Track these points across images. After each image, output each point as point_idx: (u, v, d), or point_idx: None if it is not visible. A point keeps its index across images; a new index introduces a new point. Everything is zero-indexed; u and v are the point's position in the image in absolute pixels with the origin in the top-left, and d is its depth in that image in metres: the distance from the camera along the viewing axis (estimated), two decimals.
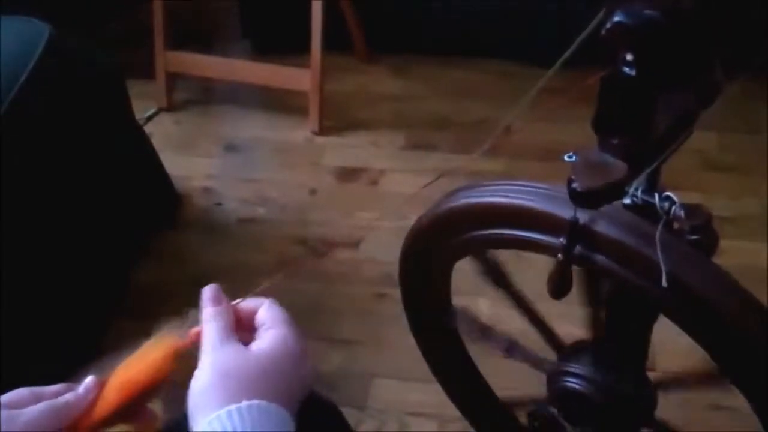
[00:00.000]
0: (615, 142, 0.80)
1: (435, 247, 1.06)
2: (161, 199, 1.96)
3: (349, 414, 0.95)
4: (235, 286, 1.76)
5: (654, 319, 0.96)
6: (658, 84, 0.77)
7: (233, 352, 0.66)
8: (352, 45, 2.40)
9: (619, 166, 0.80)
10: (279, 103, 2.30)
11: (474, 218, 0.97)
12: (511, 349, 1.15)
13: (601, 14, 0.76)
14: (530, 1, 2.25)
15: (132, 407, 0.70)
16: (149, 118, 2.26)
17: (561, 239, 0.86)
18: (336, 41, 2.21)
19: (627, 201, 0.87)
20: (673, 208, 0.82)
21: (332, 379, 1.56)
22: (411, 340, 1.25)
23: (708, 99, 0.82)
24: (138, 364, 0.71)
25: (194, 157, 2.16)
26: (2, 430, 0.64)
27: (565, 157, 0.82)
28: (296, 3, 2.16)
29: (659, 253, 0.79)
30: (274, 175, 2.10)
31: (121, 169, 1.71)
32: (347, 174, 2.09)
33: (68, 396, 0.69)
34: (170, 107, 2.30)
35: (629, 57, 0.75)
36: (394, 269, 1.16)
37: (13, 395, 0.68)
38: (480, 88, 2.31)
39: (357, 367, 1.60)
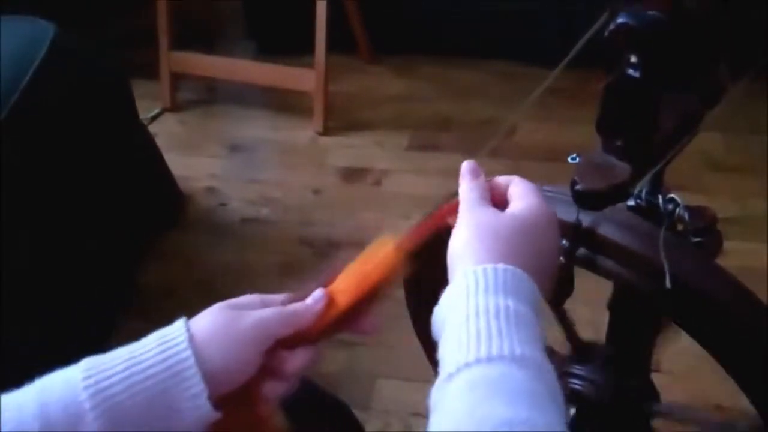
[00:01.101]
0: (619, 143, 0.80)
1: (437, 249, 1.06)
2: (165, 199, 1.96)
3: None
4: (239, 286, 1.76)
5: (659, 323, 0.96)
6: (662, 85, 0.76)
7: (490, 214, 0.69)
8: (356, 45, 2.40)
9: (622, 168, 0.80)
10: (283, 103, 2.30)
11: None
12: None
13: (605, 15, 0.76)
14: (534, 1, 2.25)
15: (359, 311, 0.71)
16: (153, 118, 2.26)
17: (564, 241, 0.86)
18: (340, 42, 2.21)
19: (631, 203, 0.86)
20: (677, 210, 0.82)
21: (336, 379, 1.56)
22: (415, 341, 1.25)
23: (712, 100, 0.82)
24: (363, 267, 0.72)
25: (198, 157, 2.16)
26: (229, 327, 0.66)
27: (569, 159, 0.82)
28: (300, 3, 2.16)
29: (663, 255, 0.79)
30: (278, 176, 2.11)
31: (125, 169, 1.72)
32: (351, 174, 2.09)
33: (298, 305, 0.70)
34: (174, 107, 2.31)
35: (633, 58, 0.75)
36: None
37: (243, 299, 0.70)
38: (484, 88, 2.31)
39: (361, 367, 1.60)
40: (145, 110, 2.12)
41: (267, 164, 2.15)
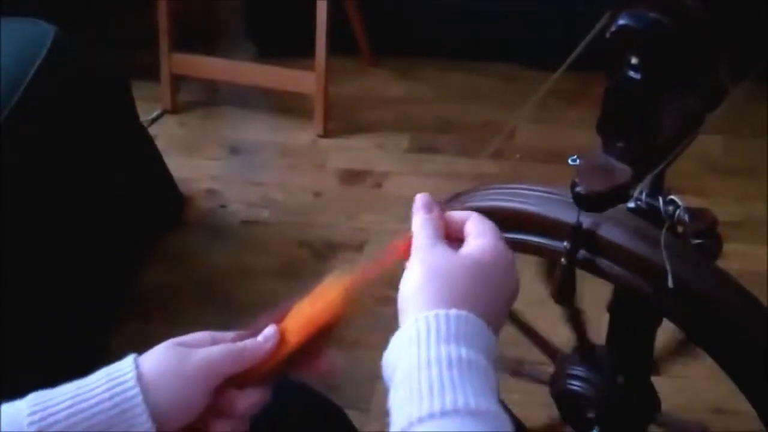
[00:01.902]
0: (620, 145, 0.80)
1: None
2: (165, 200, 1.96)
3: (353, 416, 0.94)
4: (238, 288, 1.76)
5: (658, 324, 0.96)
6: (663, 87, 0.76)
7: (443, 254, 0.66)
8: (357, 47, 2.40)
9: (623, 170, 0.80)
10: (283, 105, 2.30)
11: None
12: (517, 371, 1.16)
13: (606, 17, 0.76)
14: (535, 4, 2.25)
15: (311, 350, 0.69)
16: (154, 120, 2.26)
17: (565, 243, 0.86)
18: (340, 44, 2.21)
19: (631, 205, 0.86)
20: (678, 212, 0.82)
21: (336, 381, 1.55)
22: None
23: (713, 102, 0.82)
24: (315, 304, 0.70)
25: (198, 159, 2.16)
26: (177, 365, 0.64)
27: (570, 160, 0.82)
28: (301, 5, 2.16)
29: (664, 256, 0.79)
30: (278, 178, 2.10)
31: (125, 170, 1.72)
32: (351, 176, 2.09)
33: (247, 342, 0.68)
34: (175, 109, 2.30)
35: (634, 60, 0.75)
36: (399, 272, 1.16)
37: (192, 336, 0.69)
38: (484, 91, 2.31)
39: (361, 369, 1.59)
40: (145, 112, 2.12)
41: (267, 166, 2.15)
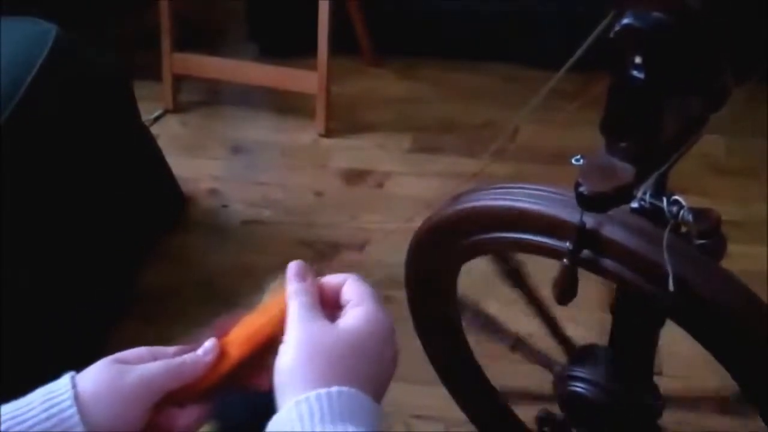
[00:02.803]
0: (623, 145, 0.80)
1: (441, 251, 1.06)
2: (167, 200, 1.96)
3: None
4: (239, 288, 1.76)
5: (661, 324, 0.96)
6: (667, 87, 0.76)
7: (320, 328, 0.64)
8: (359, 47, 2.39)
9: (626, 170, 0.80)
10: (285, 105, 2.30)
11: (480, 222, 0.97)
12: (518, 344, 1.15)
13: (609, 17, 0.76)
14: (537, 4, 2.25)
15: (253, 364, 0.68)
16: (155, 120, 2.26)
17: (567, 243, 0.86)
18: (343, 44, 2.21)
19: (634, 205, 0.86)
20: (681, 212, 0.82)
21: None
22: (416, 343, 1.25)
23: (716, 103, 0.82)
24: (259, 318, 0.69)
25: (200, 158, 2.16)
26: (114, 383, 0.64)
27: (573, 161, 0.82)
28: (303, 5, 2.16)
29: (666, 257, 0.78)
30: (280, 177, 2.10)
31: (127, 170, 1.72)
32: (353, 176, 2.09)
33: (186, 357, 0.68)
34: (176, 109, 2.30)
35: (638, 60, 0.75)
36: (400, 272, 1.16)
37: (131, 352, 0.68)
38: (486, 91, 2.31)
39: None
40: (147, 111, 2.11)
41: (269, 166, 2.15)
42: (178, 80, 2.29)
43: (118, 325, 1.65)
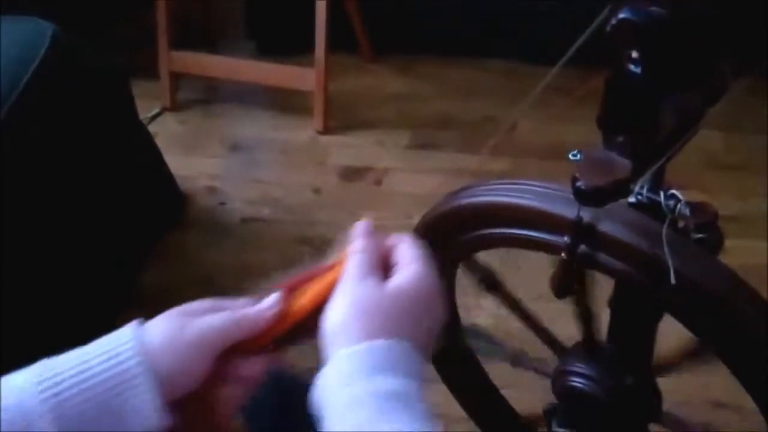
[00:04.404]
0: (620, 140, 0.80)
1: (439, 246, 1.06)
2: (165, 198, 1.96)
3: None
4: (239, 286, 1.76)
5: (659, 319, 0.96)
6: (664, 82, 0.76)
7: (370, 286, 0.67)
8: (357, 44, 2.40)
9: (624, 164, 0.80)
10: (283, 102, 2.30)
11: (478, 218, 0.97)
12: (518, 359, 1.16)
13: (606, 11, 0.76)
14: None
15: (316, 318, 0.69)
16: (153, 118, 2.26)
17: (565, 238, 0.86)
18: (340, 41, 2.21)
19: (632, 199, 0.86)
20: (679, 206, 0.82)
21: None
22: None
23: (714, 97, 0.82)
24: (323, 274, 0.71)
25: (198, 156, 2.16)
26: (175, 335, 0.65)
27: (570, 156, 0.82)
28: (300, 2, 2.16)
29: (666, 251, 0.78)
30: (278, 175, 2.10)
31: (125, 169, 1.71)
32: (352, 173, 2.09)
33: (249, 310, 0.69)
34: (174, 107, 2.30)
35: (635, 54, 0.75)
36: None
37: (197, 303, 0.69)
38: (484, 86, 2.31)
39: None
40: (144, 110, 2.12)
41: (267, 164, 2.15)
42: (176, 78, 2.29)
43: (117, 324, 1.65)
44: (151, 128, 2.11)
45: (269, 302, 0.69)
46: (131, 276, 1.79)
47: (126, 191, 1.72)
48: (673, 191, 0.82)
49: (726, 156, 2.05)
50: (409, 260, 0.69)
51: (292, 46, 2.29)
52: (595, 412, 1.02)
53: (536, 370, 1.13)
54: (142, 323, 0.67)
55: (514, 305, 1.11)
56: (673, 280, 0.78)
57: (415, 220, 1.07)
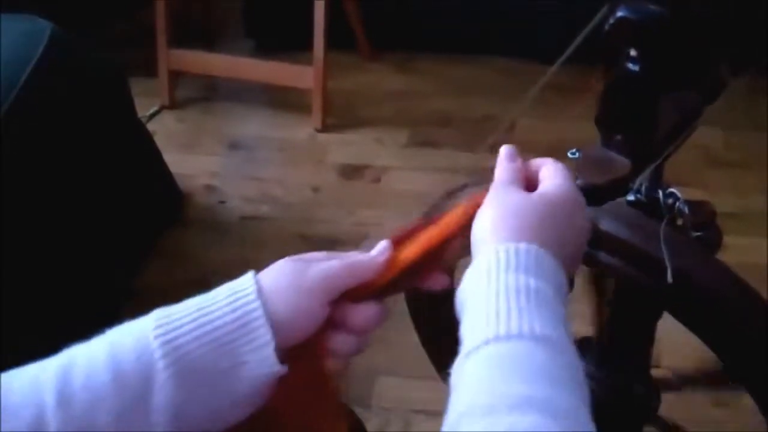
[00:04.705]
0: (619, 138, 0.80)
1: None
2: (164, 197, 1.96)
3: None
4: None
5: (658, 317, 0.96)
6: (663, 80, 0.76)
7: (517, 194, 0.69)
8: (355, 42, 2.39)
9: (622, 163, 0.80)
10: (282, 100, 2.30)
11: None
12: None
13: (604, 9, 0.76)
14: None
15: (425, 266, 0.71)
16: (152, 116, 2.26)
17: None
18: (339, 39, 2.21)
19: (631, 198, 0.86)
20: (677, 204, 0.82)
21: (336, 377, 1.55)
22: (415, 338, 1.25)
23: (712, 95, 0.82)
24: (435, 224, 0.72)
25: (197, 155, 2.16)
26: (295, 278, 0.66)
27: (569, 154, 0.82)
28: (299, 1, 2.15)
29: (664, 249, 0.78)
30: (277, 173, 2.10)
31: (123, 167, 1.71)
32: (351, 171, 2.09)
33: (361, 256, 0.70)
34: (173, 105, 2.30)
35: (633, 53, 0.75)
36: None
37: (309, 254, 0.71)
38: (483, 85, 2.31)
39: (361, 365, 1.59)
40: (143, 108, 2.12)
41: (266, 162, 2.15)
42: (175, 77, 2.29)
43: (116, 323, 1.65)
44: (150, 126, 2.11)
45: (380, 248, 0.70)
46: (130, 274, 1.79)
47: (125, 190, 1.72)
48: (672, 189, 0.83)
49: (725, 153, 2.05)
50: (552, 175, 0.71)
51: (290, 44, 2.29)
52: (593, 411, 1.01)
53: None
54: (256, 272, 0.68)
55: None
56: (669, 279, 0.78)
57: (414, 218, 1.07)
